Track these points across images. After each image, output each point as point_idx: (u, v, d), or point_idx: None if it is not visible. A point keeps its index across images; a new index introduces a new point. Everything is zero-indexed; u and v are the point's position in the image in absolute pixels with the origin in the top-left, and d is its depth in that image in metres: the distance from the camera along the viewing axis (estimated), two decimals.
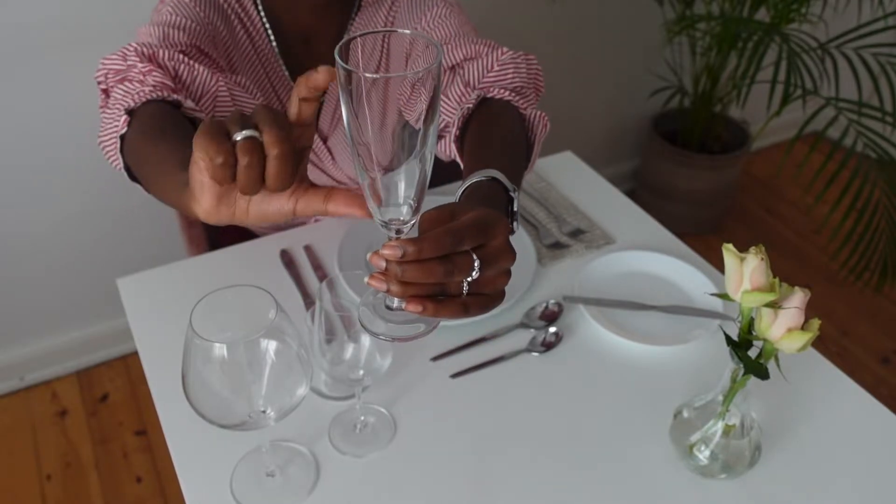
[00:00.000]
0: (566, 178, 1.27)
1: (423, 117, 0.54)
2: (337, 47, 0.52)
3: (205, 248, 1.35)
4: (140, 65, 0.85)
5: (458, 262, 0.54)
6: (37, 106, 1.62)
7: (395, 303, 0.58)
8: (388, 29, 0.86)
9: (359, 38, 0.54)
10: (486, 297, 0.57)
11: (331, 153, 1.14)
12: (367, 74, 0.51)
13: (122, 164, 0.82)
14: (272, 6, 1.03)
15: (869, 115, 1.79)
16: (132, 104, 0.82)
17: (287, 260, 1.10)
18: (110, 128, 0.84)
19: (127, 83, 0.85)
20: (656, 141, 2.34)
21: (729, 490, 0.80)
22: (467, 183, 0.70)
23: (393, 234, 0.58)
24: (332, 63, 0.53)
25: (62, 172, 1.70)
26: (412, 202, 0.57)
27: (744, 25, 1.93)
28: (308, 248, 1.12)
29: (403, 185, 0.56)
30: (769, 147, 2.83)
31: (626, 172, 2.59)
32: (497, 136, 0.83)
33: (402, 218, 0.58)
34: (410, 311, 0.54)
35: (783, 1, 1.96)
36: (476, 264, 0.55)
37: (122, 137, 0.81)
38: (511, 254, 0.58)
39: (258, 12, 1.04)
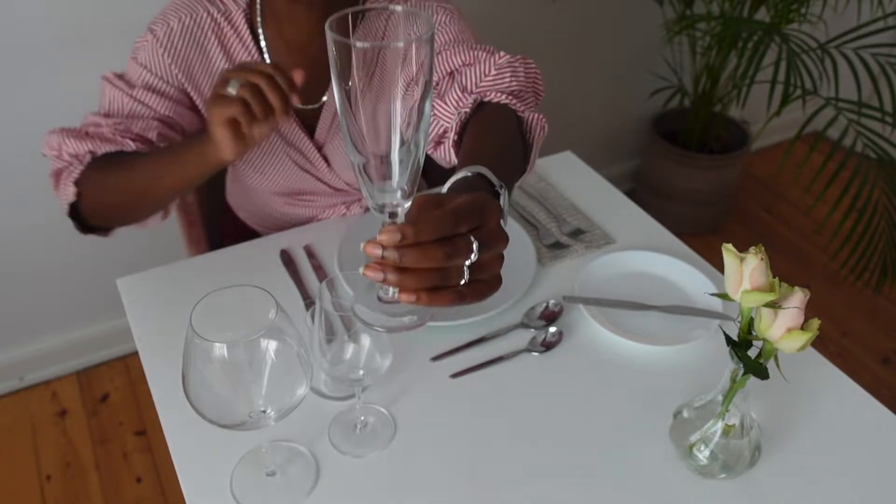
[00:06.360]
0: (566, 177, 1.27)
1: (418, 88, 0.52)
2: (328, 21, 0.51)
3: (205, 248, 1.35)
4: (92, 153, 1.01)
5: (458, 244, 0.52)
6: (36, 104, 1.62)
7: (390, 293, 0.56)
8: (383, 42, 0.87)
9: (351, 14, 0.54)
10: (484, 284, 0.55)
11: (327, 161, 1.14)
12: (359, 44, 0.50)
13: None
14: (278, 17, 1.01)
15: (869, 116, 1.79)
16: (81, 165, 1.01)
17: (287, 260, 1.10)
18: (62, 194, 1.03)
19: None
20: (656, 141, 2.34)
21: (729, 490, 0.80)
22: (454, 178, 0.68)
23: (387, 219, 0.57)
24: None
25: None
26: (405, 186, 0.56)
27: (744, 25, 1.93)
28: (308, 248, 1.12)
29: (397, 168, 0.55)
30: (769, 147, 2.83)
31: (626, 172, 2.59)
32: (491, 138, 0.82)
33: (395, 202, 0.57)
34: (404, 301, 0.52)
35: (783, 1, 1.96)
36: (475, 246, 0.53)
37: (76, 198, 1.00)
38: (504, 236, 0.57)
39: (253, 37, 1.03)
